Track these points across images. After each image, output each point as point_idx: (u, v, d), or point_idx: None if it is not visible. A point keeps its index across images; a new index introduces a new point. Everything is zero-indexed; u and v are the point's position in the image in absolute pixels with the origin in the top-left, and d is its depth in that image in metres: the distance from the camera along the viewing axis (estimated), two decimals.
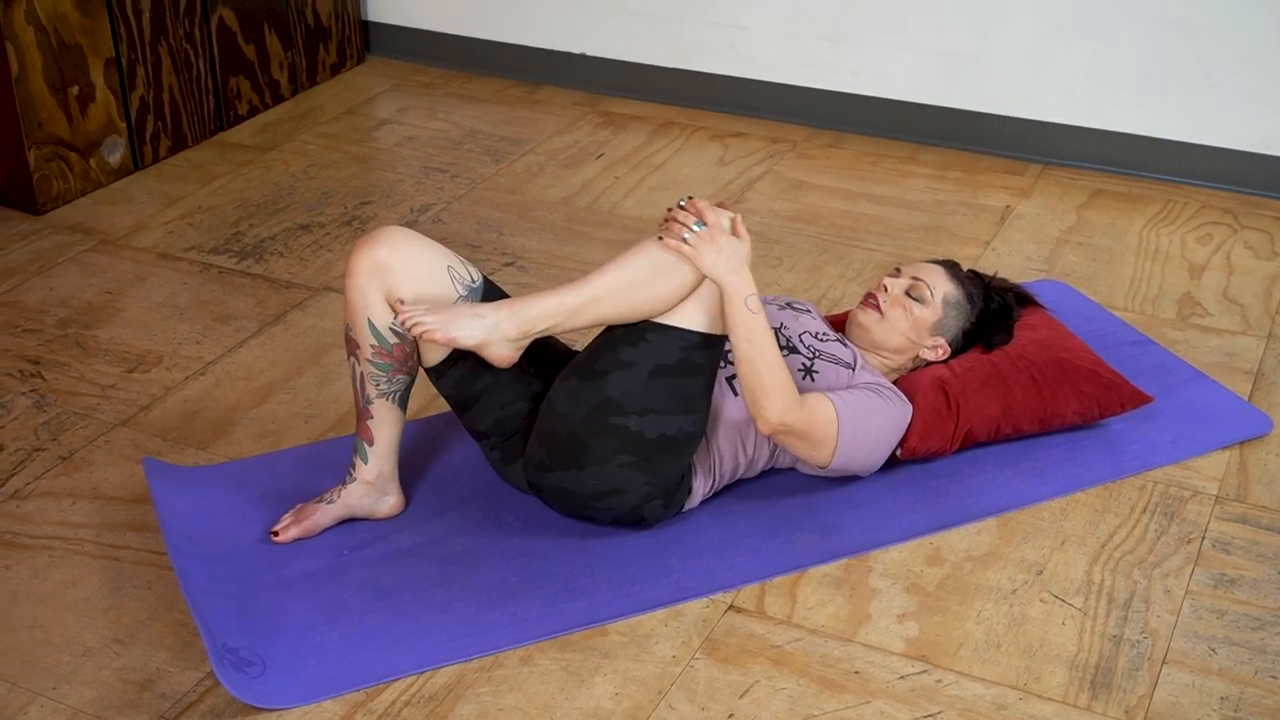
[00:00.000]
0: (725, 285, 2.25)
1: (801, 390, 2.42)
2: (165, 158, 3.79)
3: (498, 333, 2.25)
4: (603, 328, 2.34)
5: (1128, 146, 3.64)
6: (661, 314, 2.28)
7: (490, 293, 2.36)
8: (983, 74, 3.73)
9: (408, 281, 2.28)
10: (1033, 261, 3.27)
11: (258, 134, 3.95)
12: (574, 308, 2.26)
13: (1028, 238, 3.38)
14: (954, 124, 3.80)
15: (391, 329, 2.31)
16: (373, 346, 2.32)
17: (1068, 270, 3.23)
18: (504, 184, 3.66)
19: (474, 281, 2.34)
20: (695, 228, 2.26)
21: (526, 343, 2.28)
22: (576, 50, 4.16)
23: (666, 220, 2.30)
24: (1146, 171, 3.65)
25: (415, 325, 2.23)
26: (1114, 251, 3.32)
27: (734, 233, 2.27)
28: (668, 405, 2.28)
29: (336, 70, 4.32)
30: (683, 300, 2.27)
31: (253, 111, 4.04)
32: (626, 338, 2.28)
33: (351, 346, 2.35)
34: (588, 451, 2.29)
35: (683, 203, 2.29)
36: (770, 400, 2.29)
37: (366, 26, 4.42)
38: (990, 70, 3.72)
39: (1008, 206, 3.52)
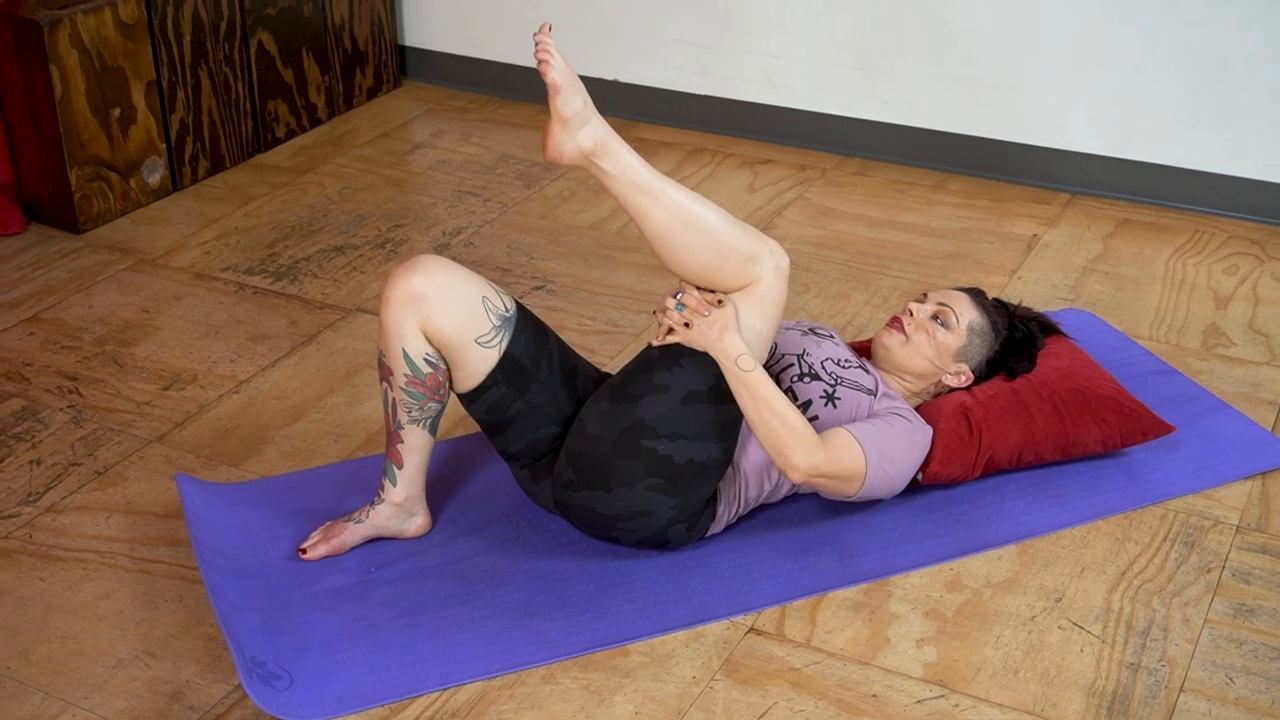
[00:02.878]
0: (713, 352, 2.28)
1: (823, 421, 2.44)
2: (203, 179, 3.86)
3: (580, 127, 2.22)
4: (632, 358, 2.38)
5: (1156, 176, 3.66)
6: (690, 274, 2.29)
7: (524, 320, 2.39)
8: (1012, 103, 3.75)
9: (443, 312, 2.31)
10: (1058, 290, 3.29)
11: (294, 156, 4.01)
12: (638, 182, 2.25)
13: (1054, 266, 3.40)
14: (982, 152, 3.83)
15: (425, 359, 2.34)
16: (406, 375, 2.35)
17: (1093, 299, 3.25)
18: (535, 209, 3.71)
19: (508, 311, 2.37)
20: (675, 308, 2.29)
21: (578, 158, 2.24)
22: (610, 77, 4.21)
23: (658, 315, 2.33)
24: (1175, 202, 3.66)
25: (545, 51, 2.19)
26: (1140, 281, 3.33)
27: (715, 302, 2.30)
28: (698, 431, 2.31)
29: (373, 94, 4.38)
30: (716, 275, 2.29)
31: (290, 134, 4.11)
32: (662, 361, 2.32)
33: (384, 372, 2.38)
34: (616, 473, 2.32)
35: (678, 298, 2.32)
36: (791, 449, 2.31)
37: (403, 51, 4.49)
38: (1019, 99, 3.74)
39: (1034, 235, 3.55)
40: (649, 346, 2.37)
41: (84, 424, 2.83)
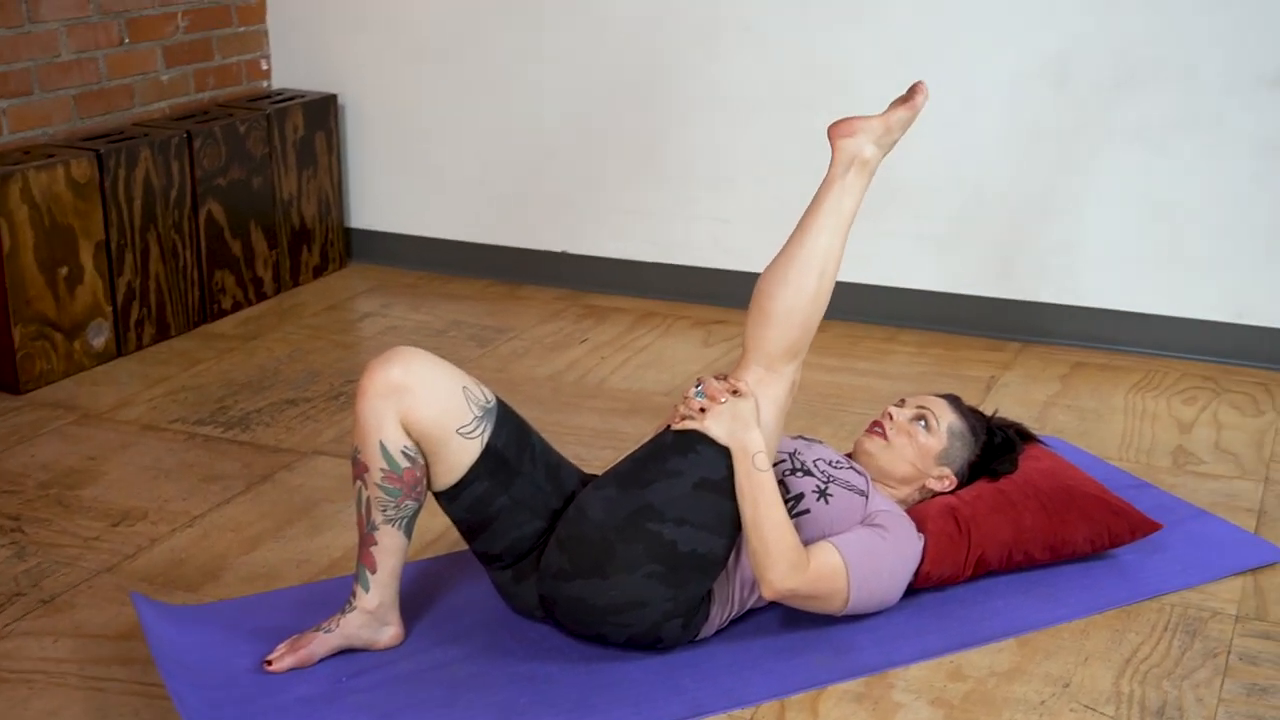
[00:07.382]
0: (732, 445, 2.26)
1: (815, 516, 2.37)
2: (148, 345, 3.78)
3: (879, 142, 2.45)
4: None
5: (1105, 322, 3.71)
6: (776, 307, 2.30)
7: (505, 413, 2.33)
8: (959, 256, 3.82)
9: (424, 402, 2.23)
10: (1023, 421, 3.27)
11: (241, 325, 3.96)
12: (844, 211, 2.45)
13: (1015, 401, 3.40)
14: (932, 306, 3.87)
15: (404, 452, 2.25)
16: (382, 470, 2.26)
17: (1059, 428, 3.25)
18: (490, 364, 3.67)
19: (488, 402, 2.31)
20: (696, 395, 2.29)
21: (852, 153, 2.44)
22: (558, 249, 4.24)
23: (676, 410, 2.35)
24: (1125, 345, 3.71)
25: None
26: (1101, 413, 3.34)
27: (737, 392, 2.29)
28: (704, 520, 2.24)
29: (319, 272, 4.36)
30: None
31: (236, 306, 4.06)
32: (676, 447, 2.26)
33: (359, 470, 2.29)
34: (615, 558, 2.23)
35: (699, 387, 2.32)
36: (773, 564, 2.26)
37: (349, 234, 4.50)
38: (967, 252, 3.81)
39: (992, 376, 3.56)
40: (666, 429, 2.32)
41: (27, 558, 2.68)
